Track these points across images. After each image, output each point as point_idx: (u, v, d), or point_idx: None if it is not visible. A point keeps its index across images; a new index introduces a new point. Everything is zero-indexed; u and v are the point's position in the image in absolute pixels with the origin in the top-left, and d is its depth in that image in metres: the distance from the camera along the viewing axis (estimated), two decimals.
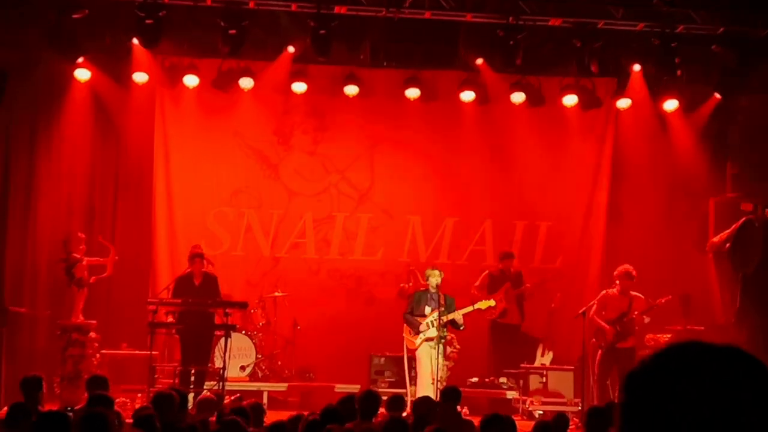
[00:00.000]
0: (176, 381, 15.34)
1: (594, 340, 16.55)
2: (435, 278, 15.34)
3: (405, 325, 15.69)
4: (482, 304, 15.78)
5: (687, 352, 2.05)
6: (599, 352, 16.40)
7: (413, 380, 15.88)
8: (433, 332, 15.10)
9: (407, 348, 15.92)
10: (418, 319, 15.38)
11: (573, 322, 16.79)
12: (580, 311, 15.98)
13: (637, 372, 2.06)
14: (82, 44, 17.23)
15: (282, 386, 17.57)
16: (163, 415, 8.98)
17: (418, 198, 19.52)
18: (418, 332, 15.32)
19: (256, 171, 19.36)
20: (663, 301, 16.44)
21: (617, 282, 16.44)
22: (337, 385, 17.09)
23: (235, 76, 18.42)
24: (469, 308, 15.50)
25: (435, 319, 15.11)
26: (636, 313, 16.22)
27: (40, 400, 10.26)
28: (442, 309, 15.12)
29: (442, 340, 15.08)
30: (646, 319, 17.61)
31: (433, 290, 15.36)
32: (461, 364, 17.13)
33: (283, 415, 11.34)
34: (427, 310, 15.33)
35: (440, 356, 14.95)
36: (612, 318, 16.25)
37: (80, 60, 17.67)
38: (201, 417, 10.22)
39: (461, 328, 15.44)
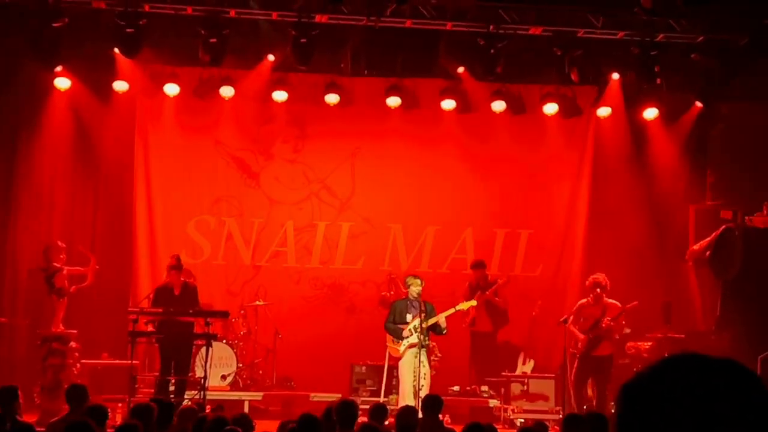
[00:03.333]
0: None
1: (570, 349, 16.59)
2: (416, 286, 15.28)
3: (387, 334, 15.65)
4: (463, 305, 15.84)
5: (683, 364, 2.05)
6: (575, 361, 16.41)
7: (395, 389, 15.87)
8: (415, 338, 15.06)
9: (390, 356, 15.90)
10: (401, 326, 15.35)
11: (554, 330, 16.84)
12: (562, 319, 15.99)
13: (633, 384, 2.06)
14: (63, 53, 17.18)
15: (263, 395, 17.51)
16: (142, 426, 8.92)
17: (399, 206, 19.51)
18: (401, 338, 15.28)
19: (237, 179, 19.34)
20: (630, 306, 16.46)
21: (590, 292, 16.50)
22: (312, 394, 17.10)
23: (215, 84, 18.40)
24: (451, 310, 15.48)
25: (417, 326, 15.08)
26: (607, 320, 16.23)
27: (17, 410, 10.21)
28: (424, 315, 15.08)
29: (424, 348, 15.03)
30: (627, 330, 17.63)
31: (413, 298, 15.31)
32: (443, 372, 17.11)
33: (265, 425, 11.32)
34: (409, 317, 15.29)
35: (423, 365, 14.90)
36: (587, 327, 16.26)
37: (59, 69, 17.64)
38: (182, 427, 10.17)
39: (444, 332, 15.37)
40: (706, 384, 1.99)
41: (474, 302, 16.47)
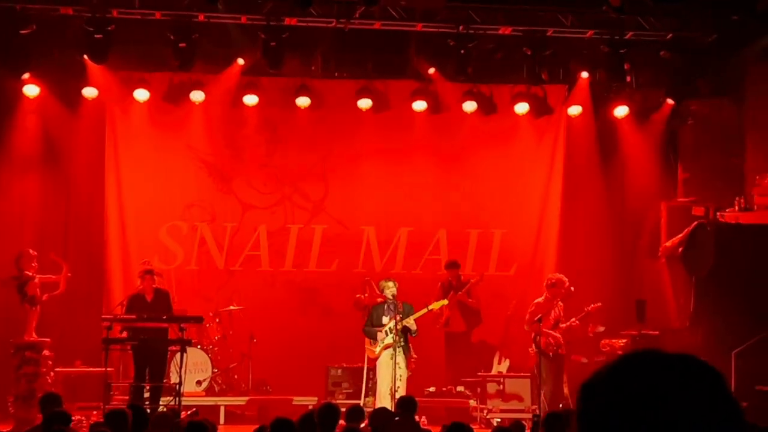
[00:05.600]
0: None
1: (532, 349, 16.44)
2: (390, 289, 15.34)
3: (366, 337, 15.68)
4: (436, 305, 15.90)
5: (641, 361, 2.04)
6: (543, 360, 16.28)
7: (371, 391, 15.86)
8: (391, 339, 15.10)
9: (368, 358, 15.90)
10: (377, 329, 15.39)
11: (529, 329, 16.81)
12: (536, 318, 15.98)
13: (592, 382, 2.06)
14: (32, 60, 17.11)
15: (239, 400, 17.47)
16: None
17: (372, 208, 19.49)
18: (376, 339, 15.31)
19: (209, 184, 19.27)
20: (593, 308, 16.41)
21: (548, 290, 16.36)
22: (295, 398, 17.05)
23: (186, 89, 18.36)
24: (423, 310, 15.56)
25: (392, 327, 15.11)
26: (574, 320, 16.23)
27: None
28: (400, 315, 15.11)
29: (400, 348, 15.04)
30: (600, 328, 17.63)
31: (390, 301, 15.35)
32: (418, 373, 17.10)
33: (240, 430, 11.29)
34: (385, 319, 15.34)
35: (399, 367, 14.90)
36: (548, 326, 16.20)
37: (27, 76, 17.56)
38: None
39: (414, 334, 15.40)
40: (665, 380, 1.99)
41: (445, 301, 16.53)
